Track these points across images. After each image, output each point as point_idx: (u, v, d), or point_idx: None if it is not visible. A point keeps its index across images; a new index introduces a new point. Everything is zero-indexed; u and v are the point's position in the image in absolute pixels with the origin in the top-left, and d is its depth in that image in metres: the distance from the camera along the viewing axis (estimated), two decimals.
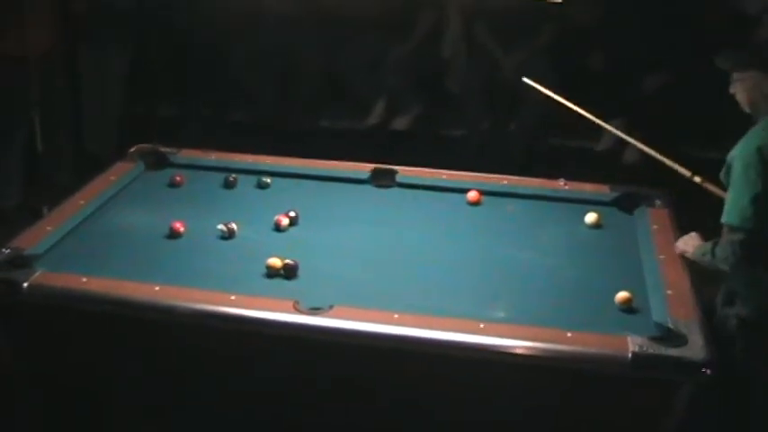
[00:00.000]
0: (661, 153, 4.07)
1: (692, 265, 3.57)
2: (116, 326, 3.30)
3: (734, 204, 3.40)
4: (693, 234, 3.74)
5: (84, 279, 3.28)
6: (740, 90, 3.55)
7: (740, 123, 3.58)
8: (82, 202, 3.96)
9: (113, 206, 4.05)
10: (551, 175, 4.74)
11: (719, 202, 3.51)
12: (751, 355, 3.53)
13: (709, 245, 3.54)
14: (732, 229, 3.40)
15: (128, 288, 3.26)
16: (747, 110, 3.57)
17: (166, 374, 3.36)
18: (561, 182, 4.42)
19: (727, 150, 3.51)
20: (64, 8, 6.19)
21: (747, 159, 3.39)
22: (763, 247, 3.38)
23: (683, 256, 3.67)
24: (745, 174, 3.37)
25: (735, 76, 3.55)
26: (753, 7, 6.50)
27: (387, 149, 5.98)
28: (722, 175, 3.57)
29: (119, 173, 4.31)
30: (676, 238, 3.78)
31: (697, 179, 3.88)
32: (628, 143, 4.49)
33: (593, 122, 4.36)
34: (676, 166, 3.97)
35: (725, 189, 3.53)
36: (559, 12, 6.08)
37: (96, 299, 3.23)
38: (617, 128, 4.50)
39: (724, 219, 3.44)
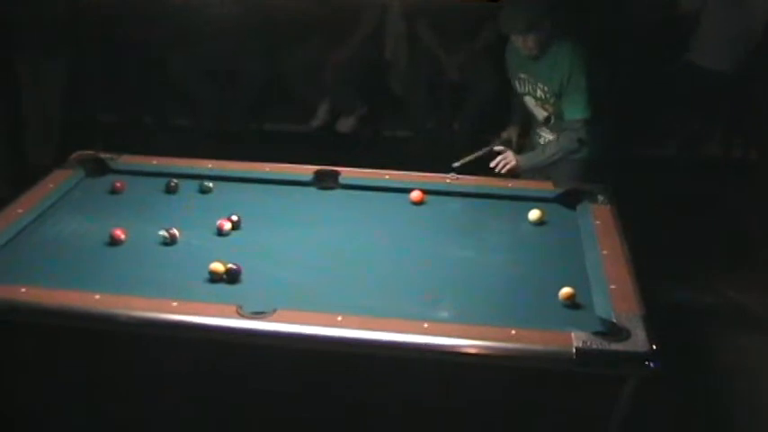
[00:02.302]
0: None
1: (633, 260, 3.59)
2: (56, 337, 3.24)
3: (584, 103, 4.69)
4: (506, 154, 4.90)
5: (23, 289, 3.22)
6: (531, 41, 4.70)
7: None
8: (20, 211, 3.88)
9: (53, 215, 3.98)
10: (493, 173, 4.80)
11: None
12: None
13: (548, 151, 4.83)
14: (585, 121, 4.71)
15: (68, 298, 3.20)
16: (535, 53, 4.75)
17: (109, 385, 3.31)
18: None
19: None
20: None
21: (582, 68, 4.69)
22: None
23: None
24: (584, 78, 4.66)
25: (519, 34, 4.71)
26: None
27: (330, 151, 5.96)
28: (547, 94, 4.82)
29: (58, 180, 4.24)
30: (619, 234, 3.82)
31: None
32: None
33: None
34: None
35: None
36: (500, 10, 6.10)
37: (35, 310, 3.17)
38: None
39: (577, 116, 4.72)
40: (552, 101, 4.86)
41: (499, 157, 4.88)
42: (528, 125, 5.25)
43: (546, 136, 5.07)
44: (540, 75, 4.85)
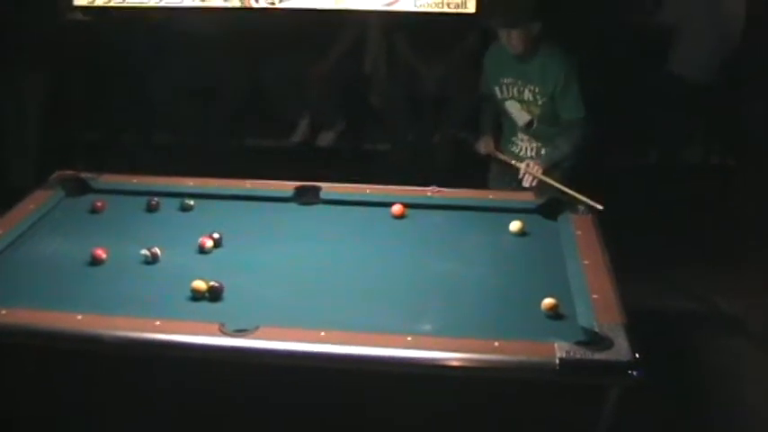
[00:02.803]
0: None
1: (615, 269, 3.61)
2: (38, 358, 3.22)
3: (580, 102, 4.85)
4: (530, 164, 4.90)
5: (3, 311, 3.20)
6: (516, 38, 4.80)
7: None
8: (0, 231, 3.88)
9: (33, 235, 3.97)
10: (478, 184, 4.81)
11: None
12: None
13: (563, 148, 4.91)
14: (584, 119, 4.84)
15: (49, 319, 3.18)
16: (520, 51, 4.85)
17: (92, 405, 3.28)
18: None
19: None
20: None
21: (575, 69, 4.83)
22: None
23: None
24: (576, 80, 4.81)
25: (505, 30, 4.84)
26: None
27: (311, 167, 5.96)
28: (537, 95, 4.90)
29: (38, 201, 4.22)
30: (600, 244, 3.84)
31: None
32: None
33: None
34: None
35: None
36: (477, 22, 6.13)
37: (16, 331, 3.15)
38: None
39: (578, 114, 4.86)
40: (541, 102, 4.93)
41: (523, 172, 4.91)
42: (499, 136, 5.30)
43: (522, 144, 5.14)
44: (529, 76, 4.92)
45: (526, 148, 5.15)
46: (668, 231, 6.19)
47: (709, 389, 4.74)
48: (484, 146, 5.28)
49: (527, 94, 4.96)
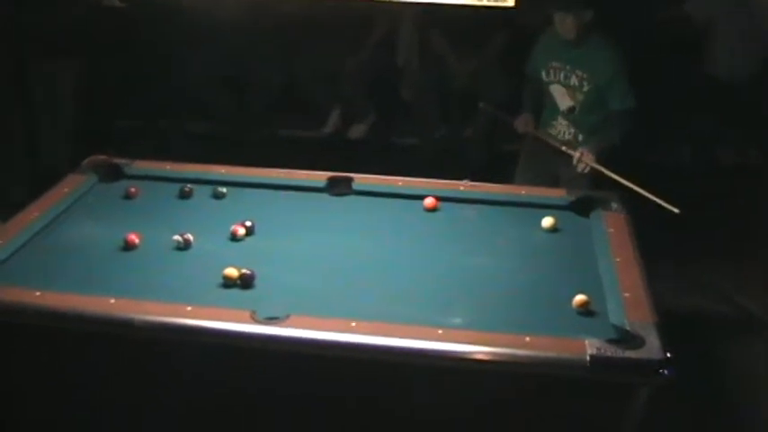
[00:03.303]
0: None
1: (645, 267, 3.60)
2: (71, 340, 3.25)
3: (630, 94, 4.97)
4: (584, 152, 4.94)
5: (38, 293, 3.23)
6: (570, 23, 4.94)
7: None
8: (35, 214, 3.90)
9: (67, 219, 4.00)
10: (507, 180, 4.79)
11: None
12: None
13: (613, 137, 5.01)
14: (632, 111, 4.96)
15: (82, 302, 3.21)
16: (572, 36, 4.97)
17: (123, 388, 3.31)
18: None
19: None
20: (12, 21, 6.12)
21: (622, 62, 4.99)
22: None
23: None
24: (625, 72, 4.97)
25: (562, 14, 4.95)
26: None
27: (342, 158, 5.97)
28: (583, 81, 5.01)
29: (72, 185, 4.26)
30: (632, 241, 3.83)
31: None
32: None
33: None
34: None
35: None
36: (512, 17, 6.12)
37: (50, 313, 3.18)
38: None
39: (628, 106, 4.98)
40: (587, 89, 5.05)
41: (575, 160, 5.00)
42: (537, 117, 5.38)
43: (560, 128, 5.23)
44: (579, 62, 5.04)
45: (564, 133, 5.22)
46: (697, 230, 6.15)
47: (736, 389, 4.71)
48: (523, 124, 5.35)
49: (573, 80, 5.07)
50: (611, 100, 5.01)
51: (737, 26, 6.58)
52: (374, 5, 6.14)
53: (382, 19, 7.08)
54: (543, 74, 5.20)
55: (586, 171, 4.93)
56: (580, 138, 5.12)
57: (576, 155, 4.98)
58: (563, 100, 5.16)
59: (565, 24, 4.97)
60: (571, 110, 5.14)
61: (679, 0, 6.80)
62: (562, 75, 5.11)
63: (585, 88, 5.03)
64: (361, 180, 4.42)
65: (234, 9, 6.55)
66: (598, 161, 4.91)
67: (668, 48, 6.76)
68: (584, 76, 5.02)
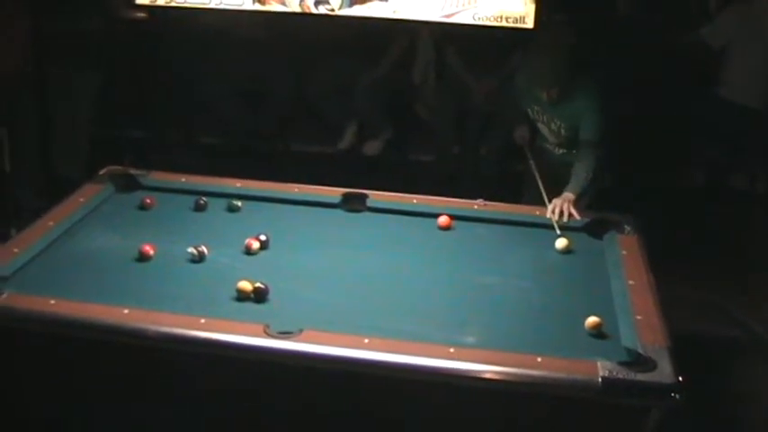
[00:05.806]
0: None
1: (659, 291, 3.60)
2: (84, 349, 3.26)
3: (601, 129, 4.76)
4: (559, 202, 4.44)
5: (53, 302, 3.25)
6: (556, 91, 4.75)
7: None
8: (50, 223, 3.93)
9: (82, 228, 4.02)
10: (518, 200, 4.80)
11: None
12: None
13: (584, 176, 4.68)
14: (600, 143, 4.76)
15: (96, 311, 3.22)
16: (554, 101, 4.81)
17: (135, 399, 3.32)
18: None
19: None
20: (34, 29, 6.16)
21: (599, 103, 4.79)
22: None
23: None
24: (601, 110, 4.77)
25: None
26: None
27: (357, 174, 5.98)
28: (562, 129, 4.93)
29: (88, 195, 4.28)
30: (645, 265, 3.83)
31: None
32: None
33: None
34: None
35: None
36: (531, 38, 6.12)
37: (64, 322, 3.19)
38: None
39: (594, 138, 4.76)
40: (566, 134, 4.96)
41: (554, 208, 4.44)
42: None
43: (552, 147, 5.18)
44: (557, 113, 4.92)
45: (557, 147, 5.16)
46: (709, 256, 6.15)
47: (748, 414, 4.70)
48: (519, 136, 5.31)
49: (553, 125, 4.99)
50: (581, 129, 4.83)
51: (753, 51, 6.58)
52: (392, 23, 6.15)
53: (400, 36, 7.09)
54: (528, 111, 5.11)
55: (565, 221, 4.39)
56: (574, 152, 4.98)
57: (549, 208, 4.47)
58: (549, 135, 5.10)
59: (550, 95, 4.81)
60: (559, 144, 5.09)
61: (695, 25, 6.80)
62: (545, 117, 5.01)
63: (565, 133, 4.95)
64: (376, 197, 4.43)
65: (251, 25, 6.58)
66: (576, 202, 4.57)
67: (684, 72, 6.75)
68: (563, 125, 4.92)
